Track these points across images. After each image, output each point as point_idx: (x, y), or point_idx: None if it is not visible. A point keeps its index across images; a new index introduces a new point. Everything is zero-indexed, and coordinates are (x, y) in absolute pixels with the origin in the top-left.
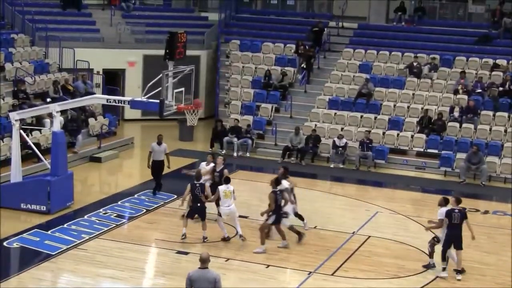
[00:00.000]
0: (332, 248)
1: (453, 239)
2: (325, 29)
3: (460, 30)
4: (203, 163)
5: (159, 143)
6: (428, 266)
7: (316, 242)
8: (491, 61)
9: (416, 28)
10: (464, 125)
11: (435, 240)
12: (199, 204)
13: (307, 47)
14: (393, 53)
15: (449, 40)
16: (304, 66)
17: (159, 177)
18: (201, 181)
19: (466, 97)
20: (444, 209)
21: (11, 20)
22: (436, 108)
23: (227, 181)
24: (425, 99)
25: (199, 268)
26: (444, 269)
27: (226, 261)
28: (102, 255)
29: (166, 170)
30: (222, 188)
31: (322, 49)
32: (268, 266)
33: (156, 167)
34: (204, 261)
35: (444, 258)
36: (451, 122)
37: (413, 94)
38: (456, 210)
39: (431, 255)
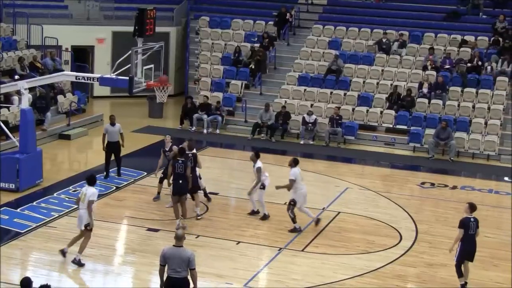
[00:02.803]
0: (302, 225)
1: (469, 250)
2: (288, 13)
3: (429, 6)
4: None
5: (113, 124)
6: (294, 230)
7: (286, 218)
8: (459, 37)
9: (385, 5)
10: (432, 101)
11: (291, 204)
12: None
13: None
14: (362, 29)
15: (418, 16)
16: (253, 67)
17: (119, 158)
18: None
19: (434, 73)
20: (295, 170)
21: None
22: (405, 84)
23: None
24: (394, 75)
25: (174, 245)
26: (462, 286)
27: (196, 237)
28: (72, 232)
29: (125, 151)
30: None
31: (292, 30)
32: (238, 242)
33: (113, 148)
34: (179, 239)
35: (461, 273)
36: (420, 98)
37: (382, 70)
38: (472, 219)
39: (293, 220)
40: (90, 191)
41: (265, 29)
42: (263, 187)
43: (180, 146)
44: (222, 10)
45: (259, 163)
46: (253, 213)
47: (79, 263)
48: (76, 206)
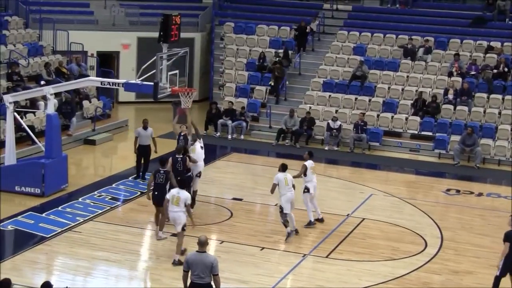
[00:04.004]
0: (327, 231)
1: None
2: (307, 27)
3: (455, 12)
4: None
5: (145, 128)
6: (290, 235)
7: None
8: (485, 43)
9: (411, 10)
10: (458, 107)
11: (281, 210)
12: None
13: (281, 60)
14: (387, 35)
15: (443, 22)
16: (272, 84)
17: (146, 162)
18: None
19: (460, 79)
20: (278, 175)
21: (5, 2)
22: (430, 91)
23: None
24: (419, 82)
25: (197, 251)
26: None
27: (221, 243)
28: (97, 237)
29: (154, 155)
30: None
31: (316, 36)
32: (262, 248)
33: (143, 152)
34: (203, 245)
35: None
36: (445, 105)
37: (408, 76)
38: None
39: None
40: (184, 195)
41: (290, 35)
42: (307, 190)
43: (161, 157)
44: (247, 16)
45: (308, 162)
46: (312, 223)
47: (179, 263)
48: (100, 211)
